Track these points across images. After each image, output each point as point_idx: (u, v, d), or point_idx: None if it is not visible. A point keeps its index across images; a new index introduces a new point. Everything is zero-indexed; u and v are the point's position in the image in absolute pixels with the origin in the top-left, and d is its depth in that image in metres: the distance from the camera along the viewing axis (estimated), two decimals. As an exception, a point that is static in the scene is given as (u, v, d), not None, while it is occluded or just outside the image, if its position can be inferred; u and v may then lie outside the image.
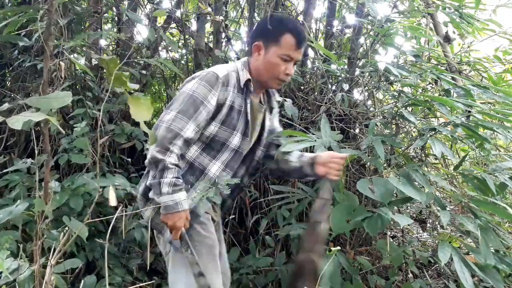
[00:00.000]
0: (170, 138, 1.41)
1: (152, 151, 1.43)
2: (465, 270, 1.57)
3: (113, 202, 1.40)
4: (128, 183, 2.26)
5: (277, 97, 1.82)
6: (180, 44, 3.96)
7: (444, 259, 1.57)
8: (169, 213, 1.42)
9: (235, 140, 1.55)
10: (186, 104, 1.44)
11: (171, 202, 1.41)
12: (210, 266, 1.51)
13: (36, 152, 1.69)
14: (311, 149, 1.93)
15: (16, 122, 0.92)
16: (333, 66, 2.84)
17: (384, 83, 2.78)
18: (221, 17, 3.58)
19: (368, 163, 2.44)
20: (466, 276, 1.56)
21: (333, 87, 2.98)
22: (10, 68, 3.03)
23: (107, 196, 1.49)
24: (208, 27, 4.17)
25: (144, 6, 3.57)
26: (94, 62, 2.41)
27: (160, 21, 3.94)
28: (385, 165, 2.11)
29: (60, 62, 2.18)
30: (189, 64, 3.68)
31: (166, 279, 2.49)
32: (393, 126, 2.42)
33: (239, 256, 2.74)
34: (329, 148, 1.88)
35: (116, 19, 3.56)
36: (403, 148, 2.40)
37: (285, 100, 2.34)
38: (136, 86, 1.48)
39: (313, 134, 2.08)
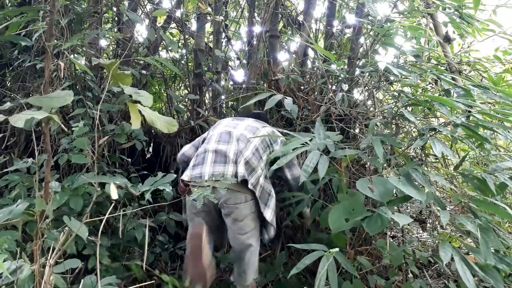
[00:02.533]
0: None
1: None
2: (467, 270, 1.57)
3: (114, 195, 1.43)
4: (129, 182, 2.25)
5: None
6: (180, 44, 3.96)
7: (446, 259, 1.57)
8: None
9: None
10: None
11: None
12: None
13: (36, 152, 1.69)
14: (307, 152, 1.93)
15: (19, 120, 0.92)
16: (333, 66, 2.84)
17: (384, 83, 2.78)
18: (221, 17, 3.58)
19: (368, 163, 2.44)
20: (468, 276, 1.56)
21: (333, 87, 2.98)
22: (10, 68, 3.03)
23: (108, 193, 1.50)
24: (208, 27, 4.18)
25: (144, 6, 3.57)
26: (94, 62, 2.40)
27: (160, 21, 3.94)
28: (385, 165, 2.11)
29: (60, 62, 2.18)
30: (189, 64, 3.68)
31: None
32: (393, 126, 2.42)
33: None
34: (325, 151, 1.89)
35: (116, 19, 3.56)
36: (403, 148, 2.40)
37: (285, 98, 2.34)
38: (135, 90, 1.50)
39: (312, 133, 2.08)
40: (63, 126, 1.19)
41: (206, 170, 2.01)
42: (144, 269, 2.08)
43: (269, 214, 2.03)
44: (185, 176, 2.08)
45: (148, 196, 2.01)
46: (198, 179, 2.01)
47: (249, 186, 1.96)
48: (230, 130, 2.20)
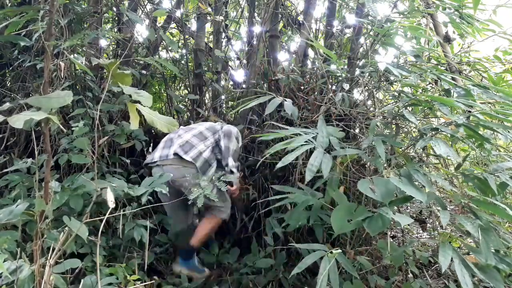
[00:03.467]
0: None
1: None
2: (465, 273, 1.56)
3: (111, 203, 1.44)
4: (125, 183, 2.25)
5: None
6: (180, 44, 3.96)
7: (445, 264, 1.56)
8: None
9: None
10: None
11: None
12: None
13: (36, 152, 1.69)
14: (311, 151, 1.92)
15: (18, 121, 0.91)
16: (333, 66, 2.84)
17: (384, 83, 2.78)
18: (221, 17, 3.58)
19: (369, 163, 2.44)
20: (466, 279, 1.55)
21: (333, 87, 2.98)
22: (10, 68, 3.03)
23: (105, 198, 1.51)
24: (208, 27, 4.18)
25: (144, 6, 3.57)
26: (94, 62, 2.40)
27: (160, 21, 3.94)
28: (385, 165, 2.10)
29: (60, 62, 2.18)
30: (189, 64, 3.68)
31: (166, 279, 2.50)
32: (393, 126, 2.42)
33: (238, 256, 2.74)
34: (328, 148, 1.88)
35: (116, 19, 3.56)
36: (403, 148, 2.40)
37: (284, 100, 2.34)
38: (135, 90, 1.50)
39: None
40: (62, 127, 1.19)
41: (156, 154, 2.58)
42: (144, 269, 2.08)
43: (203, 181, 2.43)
44: (147, 160, 2.67)
45: (145, 198, 2.06)
46: (150, 161, 2.60)
47: (188, 158, 2.48)
48: (181, 127, 2.76)
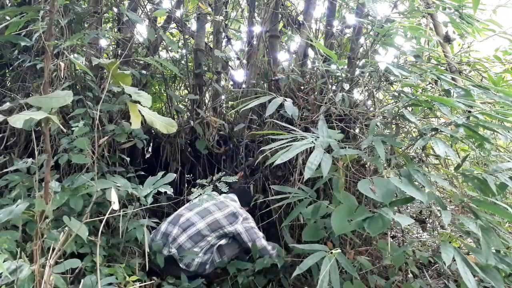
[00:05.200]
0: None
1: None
2: (468, 271, 1.57)
3: (116, 205, 1.45)
4: (129, 183, 2.25)
5: None
6: (180, 44, 3.96)
7: (448, 260, 1.56)
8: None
9: None
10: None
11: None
12: None
13: (36, 152, 1.69)
14: (310, 151, 1.92)
15: (18, 121, 0.92)
16: (333, 66, 2.84)
17: (384, 83, 2.78)
18: (221, 17, 3.58)
19: (368, 163, 2.44)
20: (469, 276, 1.55)
21: (333, 87, 2.98)
22: (10, 68, 3.03)
23: (109, 199, 1.52)
24: (208, 27, 4.17)
25: (144, 6, 3.57)
26: (94, 62, 2.40)
27: (160, 21, 3.94)
28: (385, 165, 2.10)
29: (60, 62, 2.18)
30: (189, 64, 3.68)
31: (166, 279, 2.50)
32: (393, 126, 2.42)
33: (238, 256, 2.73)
34: (328, 149, 1.87)
35: (116, 19, 3.56)
36: (403, 148, 2.40)
37: (285, 100, 2.33)
38: (135, 90, 1.51)
39: (313, 133, 2.07)
40: (62, 127, 1.20)
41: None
42: (144, 269, 2.08)
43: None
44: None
45: (150, 200, 2.05)
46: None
47: (181, 265, 2.39)
48: (183, 213, 2.55)
